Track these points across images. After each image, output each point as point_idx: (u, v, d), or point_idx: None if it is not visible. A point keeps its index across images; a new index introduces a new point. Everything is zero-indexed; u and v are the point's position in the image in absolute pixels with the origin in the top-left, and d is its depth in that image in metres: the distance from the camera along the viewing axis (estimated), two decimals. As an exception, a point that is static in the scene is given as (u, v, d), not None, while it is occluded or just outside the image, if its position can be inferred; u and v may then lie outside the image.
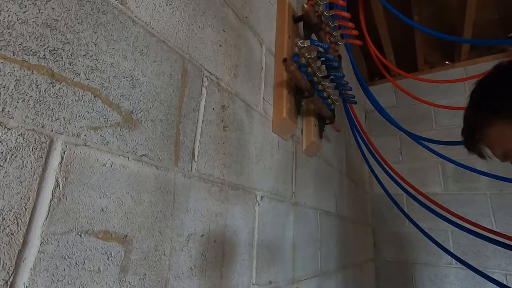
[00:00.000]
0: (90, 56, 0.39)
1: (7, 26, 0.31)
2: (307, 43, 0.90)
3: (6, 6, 0.31)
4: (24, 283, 0.30)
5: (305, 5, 0.91)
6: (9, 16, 0.32)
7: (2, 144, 0.30)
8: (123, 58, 0.44)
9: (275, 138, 0.85)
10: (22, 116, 0.32)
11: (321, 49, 0.94)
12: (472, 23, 1.65)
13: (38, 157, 0.33)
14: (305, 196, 0.99)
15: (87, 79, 0.38)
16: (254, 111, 0.76)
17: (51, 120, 0.34)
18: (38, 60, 0.34)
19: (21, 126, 0.32)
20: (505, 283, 1.56)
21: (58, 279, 0.33)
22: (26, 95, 0.32)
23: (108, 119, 0.41)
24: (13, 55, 0.32)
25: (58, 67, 0.35)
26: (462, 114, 0.55)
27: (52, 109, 0.34)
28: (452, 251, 1.37)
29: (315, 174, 1.11)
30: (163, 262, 0.46)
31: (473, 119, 0.52)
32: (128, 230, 0.41)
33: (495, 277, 1.30)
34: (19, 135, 0.31)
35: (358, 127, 1.54)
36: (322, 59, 0.92)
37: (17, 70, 0.32)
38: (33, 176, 0.32)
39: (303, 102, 0.90)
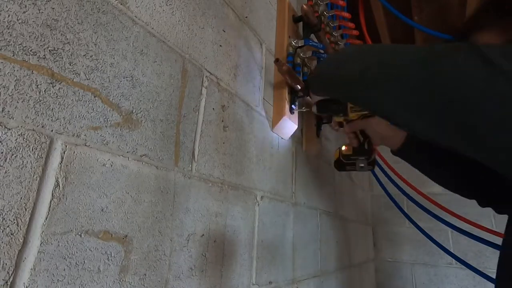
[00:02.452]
0: (90, 56, 0.39)
1: (7, 26, 0.31)
2: (301, 43, 0.90)
3: (6, 6, 0.31)
4: (24, 283, 0.30)
5: (304, 6, 0.91)
6: (9, 16, 0.32)
7: (2, 144, 0.30)
8: (123, 58, 0.44)
9: (275, 138, 0.85)
10: (22, 116, 0.32)
11: (316, 49, 0.94)
12: (472, 23, 1.65)
13: (38, 157, 0.33)
14: (305, 196, 0.99)
15: (87, 79, 0.39)
16: (254, 111, 0.76)
17: (51, 120, 0.34)
18: (38, 60, 0.34)
19: (21, 126, 0.32)
20: (505, 283, 1.56)
21: (58, 279, 0.33)
22: (26, 95, 0.32)
23: (108, 119, 0.41)
24: (13, 55, 0.32)
25: (58, 67, 0.35)
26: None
27: (52, 109, 0.34)
28: (452, 251, 1.37)
29: (315, 174, 1.11)
30: (163, 262, 0.46)
31: (475, 18, 0.53)
32: (128, 230, 0.41)
33: (495, 277, 1.30)
34: (19, 135, 0.31)
35: (358, 127, 1.54)
36: (320, 58, 0.93)
37: (17, 70, 0.32)
38: (33, 176, 0.32)
39: (297, 102, 0.90)
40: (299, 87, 0.85)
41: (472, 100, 0.31)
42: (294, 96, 0.88)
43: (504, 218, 0.58)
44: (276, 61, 0.77)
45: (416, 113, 0.37)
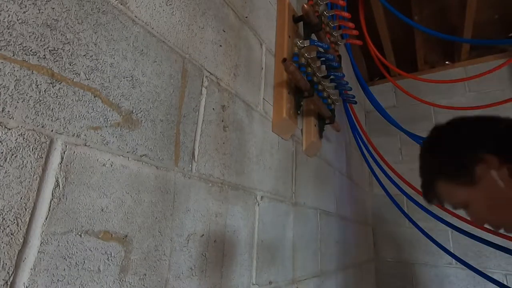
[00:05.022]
0: (90, 56, 0.39)
1: (7, 26, 0.31)
2: (306, 43, 0.90)
3: (6, 6, 0.31)
4: (24, 283, 0.30)
5: (305, 5, 0.91)
6: (9, 16, 0.32)
7: (2, 144, 0.30)
8: (123, 58, 0.44)
9: (275, 138, 0.85)
10: (22, 116, 0.32)
11: (321, 49, 0.94)
12: (472, 23, 1.65)
13: (38, 157, 0.33)
14: (305, 196, 0.99)
15: (87, 79, 0.38)
16: (254, 111, 0.76)
17: (51, 120, 0.34)
18: (38, 60, 0.34)
19: (21, 126, 0.32)
20: (505, 283, 1.56)
21: (58, 279, 0.33)
22: (26, 95, 0.32)
23: (108, 119, 0.41)
24: (13, 55, 0.32)
25: (58, 67, 0.35)
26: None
27: (52, 109, 0.34)
28: (452, 251, 1.37)
29: (315, 174, 1.11)
30: (163, 262, 0.46)
31: (423, 178, 0.61)
32: (128, 230, 0.41)
33: (495, 277, 1.30)
34: (19, 135, 0.31)
35: (358, 127, 1.54)
36: (322, 59, 0.92)
37: (17, 70, 0.32)
38: (33, 176, 0.32)
39: (303, 102, 0.90)
40: (305, 87, 0.85)
41: None
42: (299, 96, 0.88)
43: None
44: (284, 60, 0.77)
45: None
